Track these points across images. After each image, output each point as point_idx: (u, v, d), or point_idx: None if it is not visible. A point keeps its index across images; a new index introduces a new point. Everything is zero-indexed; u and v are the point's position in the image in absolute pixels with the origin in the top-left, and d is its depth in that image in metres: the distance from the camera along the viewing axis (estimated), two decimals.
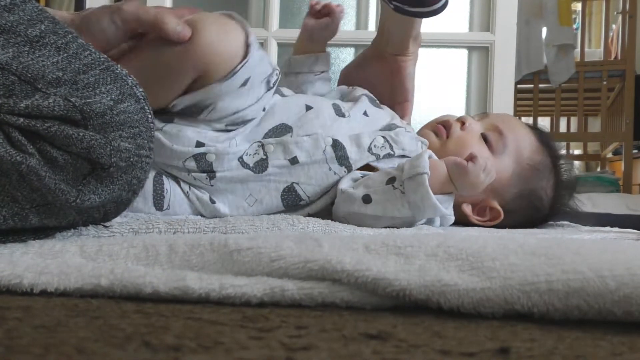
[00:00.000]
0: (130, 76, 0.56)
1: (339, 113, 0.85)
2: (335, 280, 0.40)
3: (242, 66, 0.71)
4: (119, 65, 0.56)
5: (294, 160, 0.79)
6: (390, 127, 0.88)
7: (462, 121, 0.94)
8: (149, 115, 0.56)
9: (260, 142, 0.79)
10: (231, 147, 0.76)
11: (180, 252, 0.46)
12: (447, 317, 0.37)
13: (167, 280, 0.42)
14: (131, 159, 0.54)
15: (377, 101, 0.94)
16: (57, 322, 0.33)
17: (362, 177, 0.82)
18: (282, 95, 0.86)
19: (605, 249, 0.42)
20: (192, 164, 0.75)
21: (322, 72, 1.03)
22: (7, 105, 0.50)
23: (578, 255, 0.39)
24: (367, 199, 0.78)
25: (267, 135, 0.80)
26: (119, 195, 0.56)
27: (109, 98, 0.53)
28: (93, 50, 0.55)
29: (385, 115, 0.91)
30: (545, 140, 0.98)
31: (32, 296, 0.41)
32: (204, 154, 0.75)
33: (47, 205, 0.52)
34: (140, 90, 0.56)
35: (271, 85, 0.78)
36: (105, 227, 0.61)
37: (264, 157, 0.78)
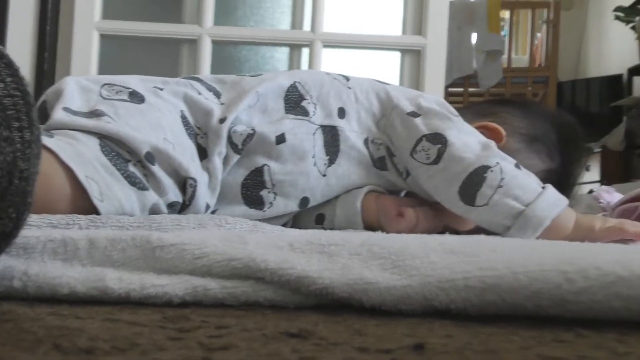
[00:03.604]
0: None
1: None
2: (259, 279, 0.40)
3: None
4: None
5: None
6: None
7: None
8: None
9: None
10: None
11: (101, 247, 0.44)
12: (369, 315, 0.38)
13: (85, 281, 0.40)
14: None
15: None
16: None
17: None
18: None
19: (521, 247, 0.44)
20: None
21: None
22: None
23: (494, 253, 0.40)
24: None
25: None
26: None
27: None
28: None
29: None
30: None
31: None
32: None
33: None
34: None
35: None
36: None
37: None
